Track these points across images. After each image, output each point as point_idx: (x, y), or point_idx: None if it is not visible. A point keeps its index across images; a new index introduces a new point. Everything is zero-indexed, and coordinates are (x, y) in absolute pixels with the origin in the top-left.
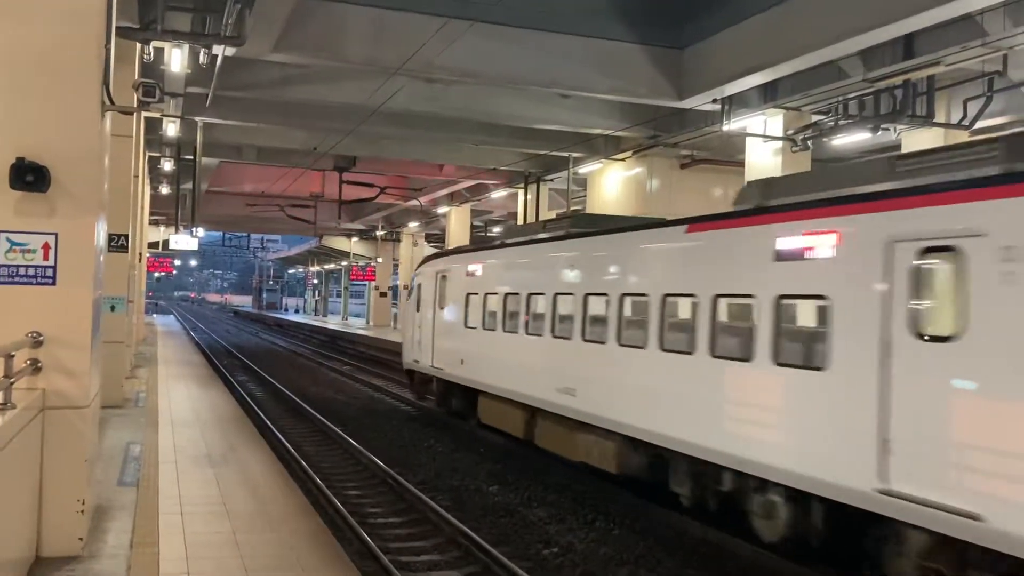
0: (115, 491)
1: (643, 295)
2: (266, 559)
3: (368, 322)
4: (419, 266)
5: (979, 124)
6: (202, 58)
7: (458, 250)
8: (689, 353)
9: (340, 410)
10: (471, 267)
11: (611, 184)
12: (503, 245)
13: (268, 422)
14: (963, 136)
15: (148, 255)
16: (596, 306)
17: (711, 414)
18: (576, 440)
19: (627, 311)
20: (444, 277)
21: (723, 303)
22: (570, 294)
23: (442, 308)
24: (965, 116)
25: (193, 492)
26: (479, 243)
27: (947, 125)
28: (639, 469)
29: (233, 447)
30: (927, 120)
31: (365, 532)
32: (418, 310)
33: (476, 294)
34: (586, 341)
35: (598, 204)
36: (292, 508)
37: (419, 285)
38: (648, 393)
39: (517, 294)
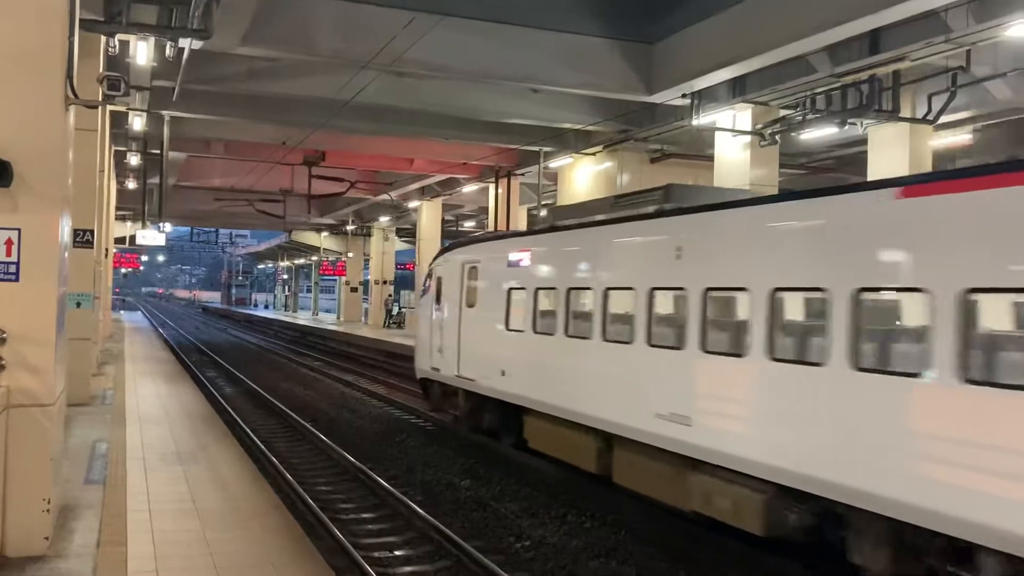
0: (82, 489)
1: (817, 291)
2: (236, 556)
3: (339, 317)
4: (439, 255)
5: (943, 119)
6: (168, 51)
7: (494, 236)
8: (913, 375)
9: (311, 406)
10: (514, 256)
11: (582, 178)
12: (557, 228)
13: (238, 419)
14: (928, 130)
15: (115, 251)
16: (726, 306)
17: (961, 469)
18: (690, 484)
19: (787, 314)
20: (474, 269)
21: (987, 301)
22: (679, 289)
23: (472, 306)
24: (930, 111)
25: (161, 490)
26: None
27: (912, 120)
28: (799, 529)
29: (202, 444)
30: (893, 114)
31: (337, 528)
32: (438, 308)
33: (522, 289)
34: (710, 353)
35: (568, 198)
36: (262, 505)
37: (439, 279)
38: (830, 428)
39: (587, 289)
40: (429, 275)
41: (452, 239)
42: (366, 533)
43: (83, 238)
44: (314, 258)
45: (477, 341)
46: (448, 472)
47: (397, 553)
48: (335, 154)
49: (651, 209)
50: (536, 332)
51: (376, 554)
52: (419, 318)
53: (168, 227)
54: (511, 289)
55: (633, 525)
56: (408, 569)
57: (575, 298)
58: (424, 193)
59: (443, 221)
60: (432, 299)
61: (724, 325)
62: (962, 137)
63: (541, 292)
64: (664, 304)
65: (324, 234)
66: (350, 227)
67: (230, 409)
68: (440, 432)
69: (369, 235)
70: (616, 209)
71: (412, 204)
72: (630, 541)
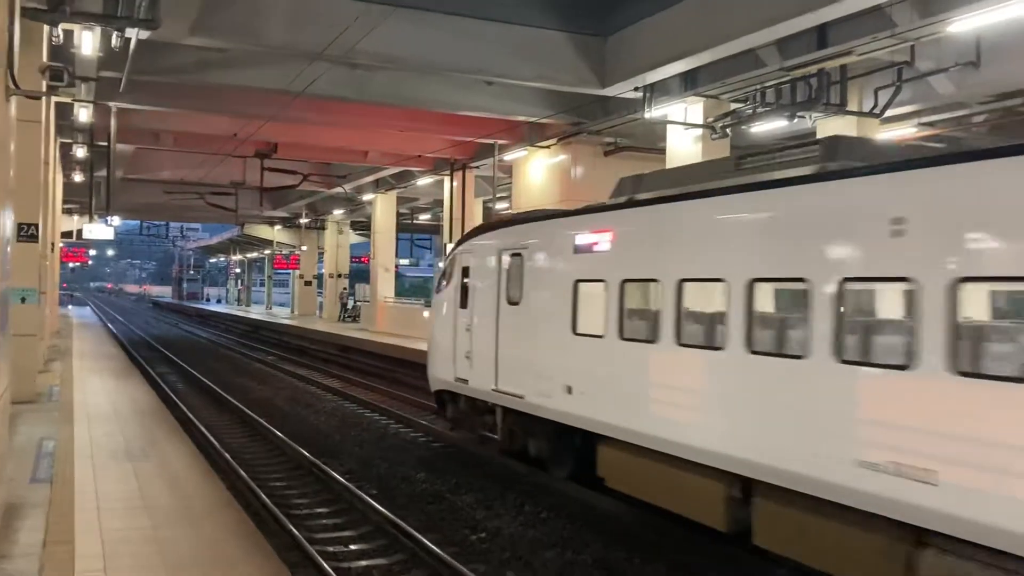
0: (28, 488)
1: None
2: (187, 554)
3: (293, 311)
4: (464, 240)
5: (889, 113)
6: (115, 41)
7: (548, 214)
8: None
9: (265, 401)
10: (586, 238)
11: (536, 171)
12: (647, 202)
13: (190, 414)
14: (875, 123)
15: (62, 245)
16: (1011, 305)
17: None
18: (921, 566)
19: None
20: (518, 256)
21: None
22: (901, 280)
23: (515, 303)
24: (876, 104)
25: (110, 488)
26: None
27: (860, 113)
28: None
29: (153, 441)
30: (840, 108)
31: (291, 523)
32: (464, 306)
33: (600, 282)
34: (971, 376)
35: (523, 191)
36: (215, 501)
37: (464, 269)
38: None
39: (717, 282)
40: (447, 267)
41: (407, 232)
42: (321, 528)
43: (27, 232)
44: (267, 252)
45: (525, 347)
46: (404, 466)
47: (352, 547)
48: (287, 146)
49: (808, 170)
50: (624, 338)
51: (331, 549)
52: (434, 318)
53: (116, 221)
54: (580, 281)
55: (589, 516)
56: (363, 563)
57: (693, 294)
58: (378, 186)
59: (398, 214)
60: (454, 294)
61: (1003, 333)
62: (907, 130)
63: (631, 286)
64: (863, 301)
65: (277, 227)
66: (303, 220)
67: (182, 405)
68: (395, 427)
69: (323, 228)
70: (742, 172)
71: (366, 197)
72: (587, 531)
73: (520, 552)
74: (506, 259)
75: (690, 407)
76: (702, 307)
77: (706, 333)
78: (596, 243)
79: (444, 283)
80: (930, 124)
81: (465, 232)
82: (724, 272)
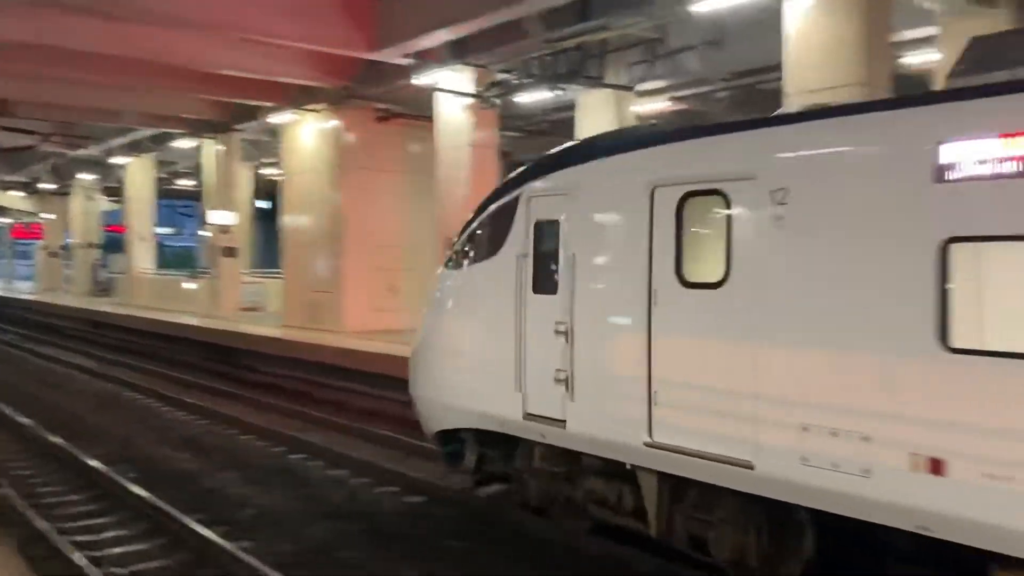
0: None
1: None
2: None
3: (38, 285)
4: (537, 172)
5: (643, 87)
6: None
7: (818, 111)
8: None
9: (7, 384)
10: (982, 151)
11: (307, 136)
12: None
13: None
14: (631, 96)
15: None
16: None
17: None
18: None
19: None
20: (719, 195)
21: None
22: None
23: (706, 286)
24: (632, 79)
25: None
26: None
27: (616, 86)
28: None
29: None
30: (598, 81)
31: (35, 513)
32: (544, 289)
33: None
34: None
35: (293, 156)
36: None
37: (543, 225)
38: None
39: None
40: (486, 223)
41: (169, 199)
42: (71, 517)
43: None
44: (5, 220)
45: (742, 371)
46: (166, 446)
47: (108, 535)
48: (23, 104)
49: None
50: None
51: (82, 538)
52: (448, 309)
53: None
54: (958, 241)
55: (359, 486)
56: (119, 550)
57: None
58: (132, 149)
59: (158, 179)
60: (513, 270)
61: None
62: (661, 104)
63: None
64: None
65: (20, 194)
66: (45, 186)
67: None
68: (157, 406)
69: (69, 194)
70: None
71: (119, 160)
72: (358, 501)
73: (292, 526)
74: (670, 202)
75: None
76: None
77: None
78: None
79: (476, 250)
80: (679, 98)
81: (541, 156)
82: None
